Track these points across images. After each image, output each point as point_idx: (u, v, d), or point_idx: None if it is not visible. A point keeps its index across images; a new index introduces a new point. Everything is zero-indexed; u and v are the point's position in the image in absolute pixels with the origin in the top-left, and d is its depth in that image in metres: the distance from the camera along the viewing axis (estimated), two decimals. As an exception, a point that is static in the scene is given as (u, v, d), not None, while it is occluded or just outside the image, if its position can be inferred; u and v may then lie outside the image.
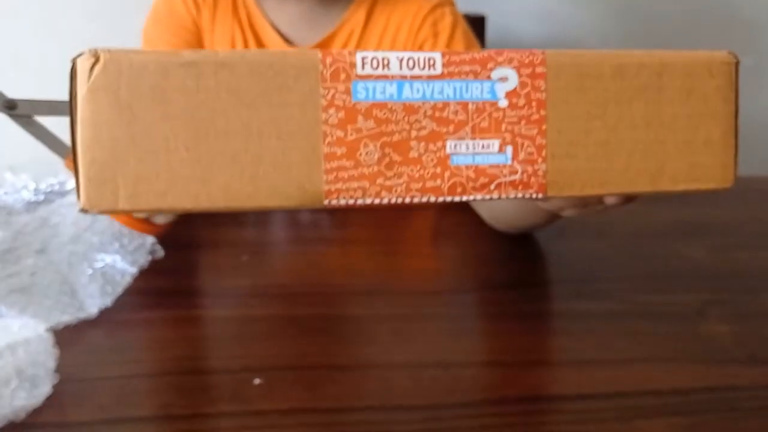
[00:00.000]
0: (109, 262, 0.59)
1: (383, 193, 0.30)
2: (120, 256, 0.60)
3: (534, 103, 0.32)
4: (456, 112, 0.31)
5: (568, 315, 0.65)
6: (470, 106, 0.31)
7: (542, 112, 0.31)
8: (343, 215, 0.75)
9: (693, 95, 0.34)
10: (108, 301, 0.57)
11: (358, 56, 0.29)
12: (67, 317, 0.56)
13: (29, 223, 0.64)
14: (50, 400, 0.49)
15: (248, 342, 0.56)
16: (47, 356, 0.50)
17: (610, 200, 0.47)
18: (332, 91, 0.29)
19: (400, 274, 0.67)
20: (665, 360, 0.57)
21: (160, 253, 0.62)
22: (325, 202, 0.30)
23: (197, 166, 0.29)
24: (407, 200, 0.31)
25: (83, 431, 0.48)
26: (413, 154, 0.31)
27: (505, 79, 0.31)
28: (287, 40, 0.85)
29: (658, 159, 0.34)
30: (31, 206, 0.68)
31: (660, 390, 0.50)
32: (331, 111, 0.29)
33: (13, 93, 1.00)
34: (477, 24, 1.14)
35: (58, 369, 0.50)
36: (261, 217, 0.78)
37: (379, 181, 0.30)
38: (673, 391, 0.54)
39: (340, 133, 0.29)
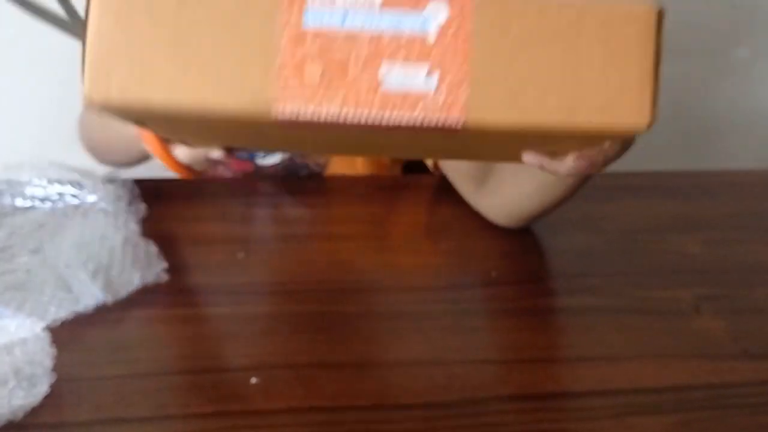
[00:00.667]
0: (116, 268, 0.59)
1: (323, 106, 0.35)
2: (128, 268, 0.60)
3: (461, 37, 0.34)
4: (390, 41, 0.34)
5: (563, 311, 0.65)
6: (404, 36, 0.34)
7: (467, 45, 0.34)
8: (336, 210, 0.75)
9: (611, 40, 0.36)
10: (108, 299, 0.57)
11: None
12: (63, 312, 0.56)
13: (23, 225, 0.64)
14: (48, 400, 0.49)
15: (245, 340, 0.56)
16: (44, 355, 0.50)
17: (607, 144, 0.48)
18: (287, 16, 0.33)
19: (395, 271, 0.67)
20: (660, 356, 0.58)
21: (166, 278, 0.61)
22: (274, 109, 0.34)
23: (175, 64, 0.34)
24: (342, 113, 0.35)
25: (81, 430, 0.48)
26: (350, 76, 0.34)
27: (437, 13, 0.34)
28: None
29: (575, 96, 0.36)
30: (28, 209, 0.68)
31: (654, 387, 0.50)
32: (284, 33, 0.34)
33: None
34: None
35: (56, 368, 0.51)
36: (253, 213, 0.78)
37: (319, 96, 0.35)
38: (667, 387, 0.55)
39: (289, 53, 0.34)
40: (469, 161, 0.62)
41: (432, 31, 0.34)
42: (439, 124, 0.34)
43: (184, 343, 0.53)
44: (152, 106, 0.35)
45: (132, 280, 0.59)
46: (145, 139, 0.65)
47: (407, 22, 0.34)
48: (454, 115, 0.34)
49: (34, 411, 0.48)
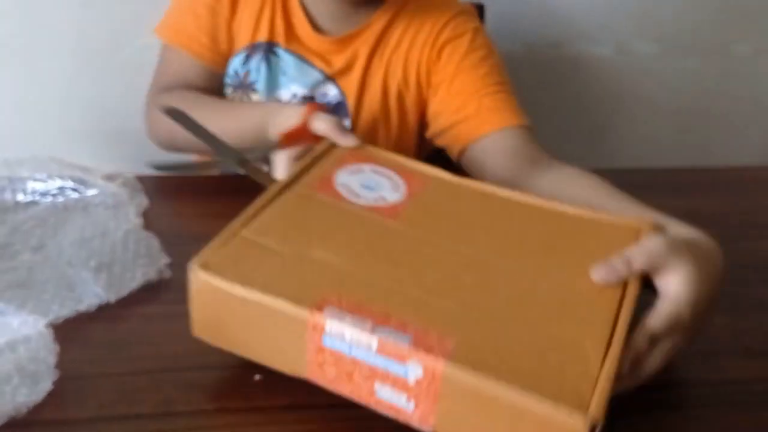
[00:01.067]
0: (118, 266, 0.59)
1: (337, 388, 0.49)
2: (130, 265, 0.60)
3: (431, 390, 0.45)
4: (382, 373, 0.46)
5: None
6: (391, 374, 0.46)
7: (436, 396, 0.45)
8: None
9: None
10: (111, 298, 0.57)
11: (328, 326, 0.46)
12: (66, 311, 0.56)
13: (26, 221, 0.64)
14: (51, 397, 0.49)
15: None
16: (47, 353, 0.50)
17: None
18: (311, 334, 0.47)
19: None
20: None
21: (168, 273, 0.62)
22: (306, 374, 0.49)
23: (248, 331, 0.51)
24: (349, 395, 0.49)
25: (84, 428, 0.48)
26: (354, 381, 0.48)
27: (415, 369, 0.45)
28: (316, 29, 0.87)
29: None
30: (29, 205, 0.68)
31: (655, 385, 0.50)
32: (310, 345, 0.47)
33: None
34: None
35: (59, 365, 0.51)
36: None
37: (334, 384, 0.49)
38: (668, 385, 0.55)
39: (313, 357, 0.48)
40: None
41: (411, 379, 0.45)
42: (416, 426, 0.47)
43: (187, 340, 0.53)
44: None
45: (134, 276, 0.59)
46: None
47: (393, 367, 0.46)
48: (426, 428, 0.47)
49: (37, 408, 0.48)
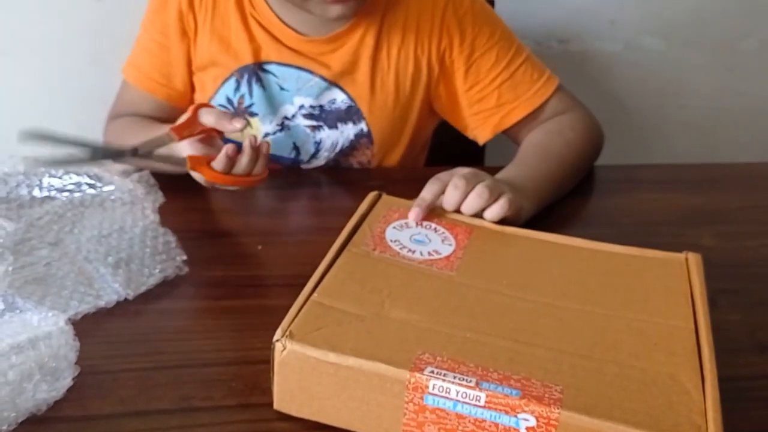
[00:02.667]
0: (136, 262, 0.60)
1: None
2: (148, 261, 0.60)
3: None
4: (489, 426, 0.46)
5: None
6: (501, 425, 0.46)
7: None
8: (355, 203, 0.75)
9: None
10: (129, 294, 0.58)
11: (431, 385, 0.46)
12: (85, 306, 0.57)
13: (42, 216, 0.65)
14: (71, 393, 0.49)
15: (266, 332, 0.56)
16: (68, 349, 0.50)
17: None
18: (411, 395, 0.47)
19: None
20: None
21: (185, 270, 0.62)
22: None
23: (337, 399, 0.49)
24: None
25: (105, 424, 0.49)
26: None
27: (528, 420, 0.45)
28: (300, 33, 0.84)
29: None
30: (45, 200, 0.68)
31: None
32: (409, 405, 0.47)
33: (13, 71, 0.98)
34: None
35: (79, 361, 0.51)
36: (271, 205, 0.78)
37: None
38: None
39: (412, 417, 0.47)
40: None
41: (522, 429, 0.45)
42: None
43: (207, 336, 0.53)
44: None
45: (152, 273, 0.60)
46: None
47: (503, 419, 0.45)
48: None
49: (58, 404, 0.49)
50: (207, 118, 0.70)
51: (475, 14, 0.86)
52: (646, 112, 1.36)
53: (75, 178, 0.68)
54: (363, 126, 0.87)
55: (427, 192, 0.62)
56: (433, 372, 0.46)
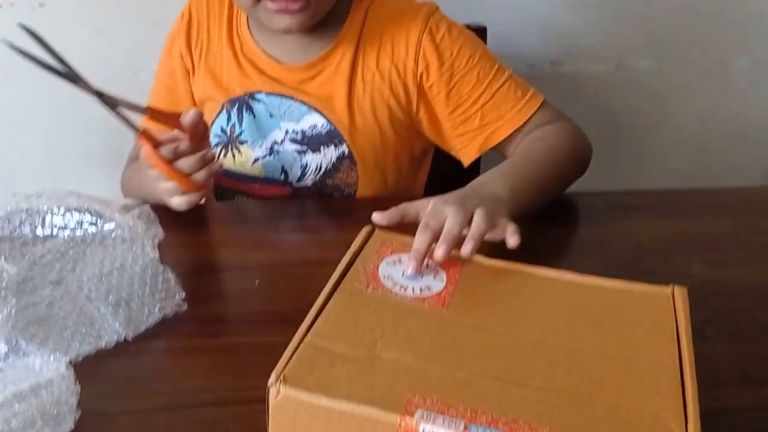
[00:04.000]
0: (136, 301, 0.61)
1: None
2: (148, 299, 0.62)
3: None
4: None
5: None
6: None
7: None
8: (350, 234, 0.76)
9: None
10: (129, 334, 0.59)
11: (421, 428, 0.47)
12: (86, 348, 0.58)
13: (44, 254, 0.66)
14: (73, 436, 0.51)
15: (264, 371, 0.57)
16: (69, 394, 0.51)
17: None
18: None
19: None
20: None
21: (184, 307, 0.63)
22: None
23: None
24: None
25: (107, 465, 0.50)
26: None
27: None
28: (280, 62, 0.89)
29: None
30: (47, 238, 0.69)
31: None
32: None
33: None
34: (478, 34, 1.14)
35: (79, 404, 0.52)
36: (269, 238, 0.79)
37: None
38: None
39: None
40: None
41: None
42: None
43: (204, 375, 0.55)
44: None
45: (152, 312, 0.61)
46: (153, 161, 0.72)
47: None
48: None
49: (60, 447, 0.50)
50: (185, 120, 0.74)
51: (452, 38, 0.89)
52: (640, 131, 1.38)
53: (77, 216, 0.70)
54: (344, 148, 0.91)
55: (420, 243, 0.63)
56: (423, 416, 0.47)
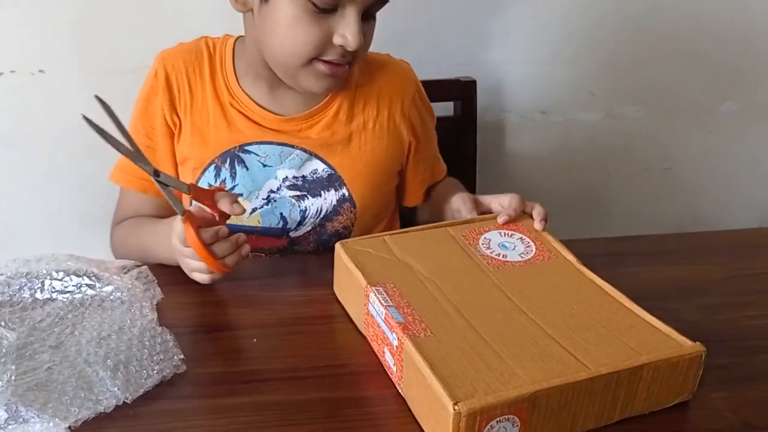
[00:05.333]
0: (134, 364, 0.61)
1: (374, 347, 0.67)
2: (146, 362, 0.62)
3: (400, 357, 0.60)
4: (388, 340, 0.63)
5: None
6: (389, 340, 0.63)
7: (401, 366, 0.61)
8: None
9: None
10: (128, 397, 0.59)
11: (370, 296, 0.65)
12: (85, 412, 0.58)
13: (43, 318, 0.67)
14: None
15: (263, 429, 0.58)
16: (69, 460, 0.51)
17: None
18: (365, 301, 0.67)
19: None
20: (664, 432, 0.59)
21: (183, 368, 0.64)
22: (364, 331, 0.70)
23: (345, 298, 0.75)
24: (377, 351, 0.67)
25: None
26: (378, 342, 0.65)
27: (394, 339, 0.61)
28: (278, 114, 0.91)
29: None
30: (46, 302, 0.70)
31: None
32: (365, 309, 0.67)
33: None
34: (468, 88, 1.18)
35: (78, 469, 0.52)
36: (265, 295, 0.80)
37: (372, 342, 0.68)
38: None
39: (365, 316, 0.68)
40: None
41: (394, 345, 0.62)
42: (399, 390, 0.63)
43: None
44: None
45: (150, 374, 0.61)
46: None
47: (390, 336, 0.62)
48: (400, 390, 0.63)
49: None
50: (221, 202, 0.76)
51: (425, 99, 1.00)
52: (630, 177, 1.40)
53: (75, 280, 0.71)
54: (344, 191, 0.93)
55: (512, 210, 0.82)
56: (376, 291, 0.65)
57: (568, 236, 0.88)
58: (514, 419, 0.53)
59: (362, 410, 0.60)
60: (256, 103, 0.91)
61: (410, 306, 0.63)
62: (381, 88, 0.94)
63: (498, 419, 0.52)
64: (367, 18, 0.82)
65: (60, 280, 0.71)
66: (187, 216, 0.72)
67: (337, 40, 0.80)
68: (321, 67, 0.83)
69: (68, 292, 0.71)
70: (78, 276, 0.71)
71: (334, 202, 0.93)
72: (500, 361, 0.57)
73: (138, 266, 0.77)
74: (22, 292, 0.71)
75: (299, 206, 0.92)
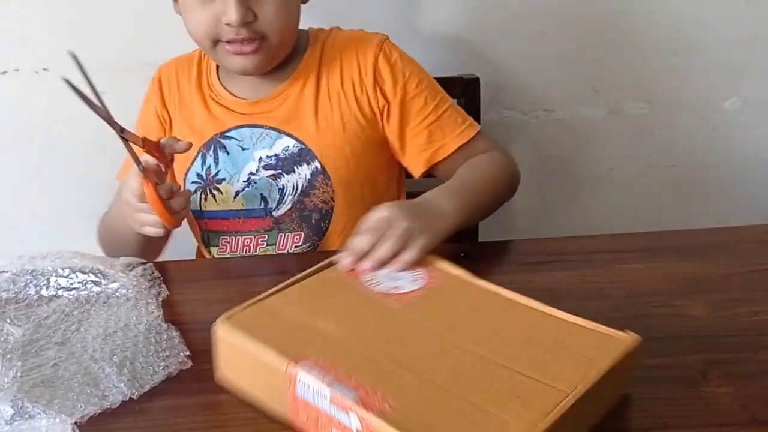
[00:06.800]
0: (140, 360, 0.61)
1: None
2: (152, 358, 0.62)
3: None
4: (336, 422, 0.52)
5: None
6: (342, 422, 0.52)
7: None
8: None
9: None
10: (134, 393, 0.59)
11: (299, 377, 0.54)
12: (91, 408, 0.58)
13: (49, 315, 0.67)
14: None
15: (267, 427, 0.58)
16: (75, 456, 0.51)
17: None
18: (290, 385, 0.55)
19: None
20: (669, 427, 0.59)
21: (189, 364, 0.64)
22: (290, 420, 0.57)
23: (248, 389, 0.61)
24: None
25: None
26: (320, 426, 0.54)
27: (356, 421, 0.51)
28: (247, 99, 0.98)
29: None
30: (52, 299, 0.70)
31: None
32: (290, 393, 0.55)
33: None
34: (471, 85, 1.18)
35: (85, 466, 0.52)
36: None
37: (307, 428, 0.56)
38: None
39: (292, 402, 0.55)
40: None
41: (354, 428, 0.52)
42: None
43: (210, 432, 0.55)
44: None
45: (156, 371, 0.61)
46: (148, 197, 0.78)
47: (342, 417, 0.52)
48: None
49: None
50: (167, 147, 0.83)
51: (403, 63, 0.99)
52: (634, 173, 1.40)
53: (81, 276, 0.71)
54: (316, 164, 0.96)
55: (360, 243, 0.71)
56: (305, 368, 0.55)
57: (571, 233, 0.88)
58: None
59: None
60: (231, 93, 0.98)
61: (350, 377, 0.54)
62: (343, 57, 0.97)
63: None
64: None
65: (65, 277, 0.71)
66: (145, 173, 0.76)
67: (223, 19, 0.86)
68: (226, 47, 0.89)
69: (74, 289, 0.71)
70: (83, 273, 0.71)
71: (309, 176, 0.95)
72: (480, 411, 0.52)
73: (143, 263, 0.76)
74: (27, 289, 0.71)
75: (277, 185, 0.95)
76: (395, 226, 0.72)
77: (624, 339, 0.60)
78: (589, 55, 1.29)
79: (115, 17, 1.16)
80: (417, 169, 0.99)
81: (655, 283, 0.81)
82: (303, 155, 0.95)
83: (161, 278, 0.75)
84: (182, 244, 1.05)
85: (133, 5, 1.17)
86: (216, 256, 0.99)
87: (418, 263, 0.71)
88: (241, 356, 0.59)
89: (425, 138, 0.97)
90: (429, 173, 1.00)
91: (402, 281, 0.68)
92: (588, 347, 0.59)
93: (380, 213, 0.75)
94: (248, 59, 0.91)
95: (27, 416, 0.55)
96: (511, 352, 0.58)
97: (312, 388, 0.54)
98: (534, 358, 0.58)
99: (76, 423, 0.56)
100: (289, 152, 0.95)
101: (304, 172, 0.95)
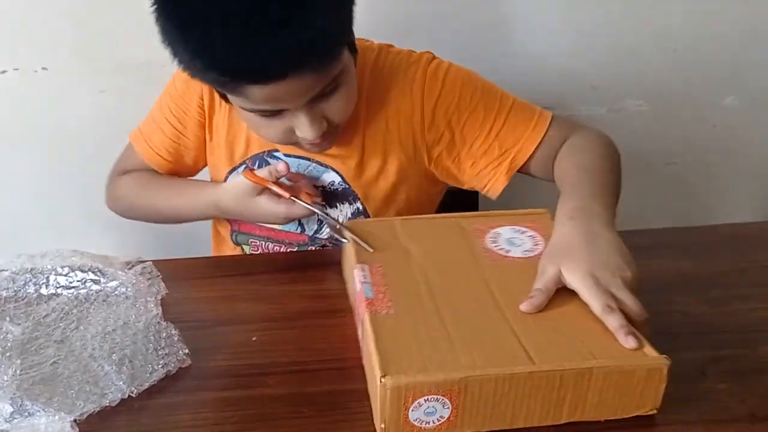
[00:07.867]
0: (139, 358, 0.62)
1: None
2: (151, 356, 0.62)
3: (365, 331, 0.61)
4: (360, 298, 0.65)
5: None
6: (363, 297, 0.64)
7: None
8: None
9: None
10: (133, 391, 0.59)
11: (356, 272, 0.68)
12: (90, 406, 0.58)
13: (49, 314, 0.67)
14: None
15: (267, 424, 0.58)
16: (74, 454, 0.51)
17: None
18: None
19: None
20: (669, 423, 0.59)
21: (188, 362, 0.64)
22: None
23: None
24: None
25: None
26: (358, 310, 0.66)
27: (364, 316, 0.62)
28: None
29: None
30: (51, 297, 0.70)
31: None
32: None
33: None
34: (470, 83, 1.17)
35: (84, 464, 0.52)
36: (270, 291, 0.80)
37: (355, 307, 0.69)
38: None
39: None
40: None
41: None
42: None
43: (209, 429, 0.55)
44: None
45: (155, 369, 0.61)
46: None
47: (366, 291, 0.66)
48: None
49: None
50: (261, 173, 0.84)
51: (452, 81, 0.89)
52: (634, 171, 1.39)
53: (80, 275, 0.71)
54: (359, 205, 0.93)
55: (616, 321, 0.61)
56: (362, 268, 0.68)
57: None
58: (443, 400, 0.53)
59: (368, 403, 0.60)
60: None
61: (386, 285, 0.65)
62: (388, 94, 0.90)
63: (426, 398, 0.53)
64: (328, 94, 0.78)
65: (65, 275, 0.71)
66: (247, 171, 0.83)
67: (298, 133, 0.79)
68: (303, 144, 0.84)
69: (73, 287, 0.71)
70: (83, 271, 0.71)
71: (349, 215, 0.93)
72: (449, 345, 0.57)
73: (142, 262, 0.77)
74: (27, 287, 0.71)
75: (316, 216, 0.92)
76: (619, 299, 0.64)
77: (647, 356, 0.58)
78: (588, 52, 1.28)
79: (115, 17, 1.16)
80: (497, 187, 0.90)
81: (655, 280, 0.80)
82: (347, 195, 0.92)
83: (160, 276, 0.75)
84: (195, 243, 1.06)
85: (133, 5, 1.17)
86: (247, 252, 0.98)
87: (546, 234, 0.74)
88: (345, 253, 0.75)
89: (497, 150, 0.89)
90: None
91: (516, 248, 0.73)
92: (604, 348, 0.58)
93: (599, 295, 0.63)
94: (321, 147, 0.86)
95: (26, 414, 0.55)
96: (531, 323, 0.61)
97: (357, 283, 0.65)
98: (545, 335, 0.60)
99: (75, 421, 0.56)
100: (334, 188, 0.92)
101: (345, 210, 0.93)
